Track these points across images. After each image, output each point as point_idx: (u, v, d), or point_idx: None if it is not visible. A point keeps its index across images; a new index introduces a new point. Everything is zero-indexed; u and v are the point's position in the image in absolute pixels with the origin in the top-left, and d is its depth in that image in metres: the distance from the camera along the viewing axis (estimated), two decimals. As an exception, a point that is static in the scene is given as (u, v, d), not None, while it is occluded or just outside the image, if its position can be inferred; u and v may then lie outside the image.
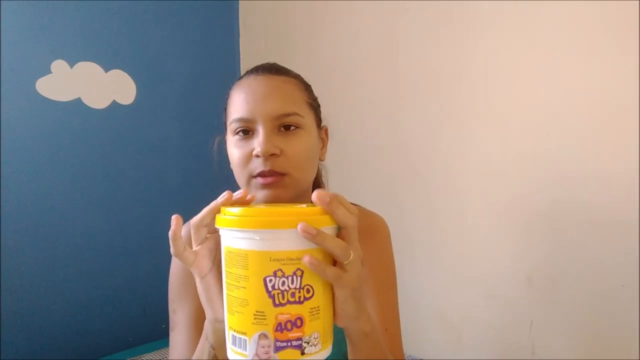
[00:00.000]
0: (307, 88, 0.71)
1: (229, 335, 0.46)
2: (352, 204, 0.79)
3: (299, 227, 0.42)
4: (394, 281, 0.75)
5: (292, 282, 0.42)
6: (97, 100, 1.58)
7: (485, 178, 1.19)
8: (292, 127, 0.64)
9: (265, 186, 0.62)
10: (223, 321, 0.48)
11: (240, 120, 0.63)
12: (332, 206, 0.45)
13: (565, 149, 1.04)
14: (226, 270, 0.46)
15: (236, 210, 0.45)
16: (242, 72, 0.93)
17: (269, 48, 1.86)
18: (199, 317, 0.67)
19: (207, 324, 0.53)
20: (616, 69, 0.95)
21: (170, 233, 0.50)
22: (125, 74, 1.64)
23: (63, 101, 1.50)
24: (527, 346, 1.11)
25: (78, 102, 1.53)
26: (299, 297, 0.43)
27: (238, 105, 0.64)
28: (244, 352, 0.44)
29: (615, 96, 0.95)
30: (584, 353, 1.01)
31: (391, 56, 1.40)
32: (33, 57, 1.44)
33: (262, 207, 0.48)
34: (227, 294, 0.46)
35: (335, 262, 0.46)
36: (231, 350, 0.45)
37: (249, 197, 0.52)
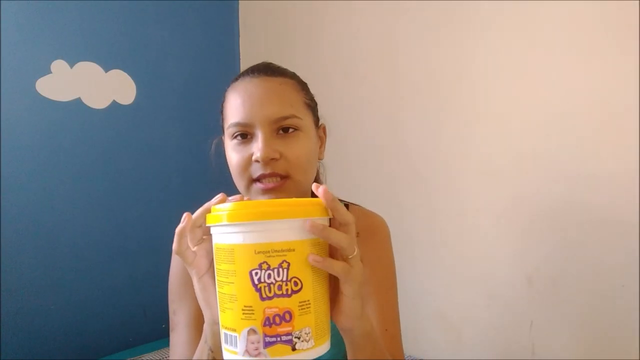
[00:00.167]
0: (303, 88, 0.70)
1: (222, 334, 0.45)
2: (352, 204, 0.79)
3: (307, 223, 0.42)
4: (394, 281, 0.75)
5: (279, 275, 0.42)
6: (97, 100, 1.58)
7: (485, 178, 1.19)
8: (291, 130, 0.63)
9: (266, 191, 0.62)
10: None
11: (238, 124, 0.63)
12: (334, 203, 0.45)
13: (565, 149, 1.03)
14: (217, 268, 0.46)
15: (223, 206, 0.45)
16: (242, 72, 0.93)
17: (269, 48, 1.86)
18: (199, 318, 0.67)
19: (206, 327, 0.53)
20: (616, 69, 0.95)
21: (177, 229, 0.50)
22: (125, 74, 1.64)
23: (63, 101, 1.50)
24: (527, 346, 1.11)
25: (78, 102, 1.53)
26: (287, 290, 0.42)
27: (235, 109, 0.64)
28: (235, 350, 0.43)
29: (616, 96, 0.95)
30: (584, 353, 1.01)
31: (391, 56, 1.40)
32: (33, 57, 1.44)
33: (250, 201, 0.48)
34: (218, 291, 0.46)
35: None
36: (225, 350, 0.45)
37: (245, 199, 0.52)
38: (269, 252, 0.42)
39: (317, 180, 0.80)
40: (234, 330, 0.43)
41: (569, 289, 1.04)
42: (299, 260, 0.43)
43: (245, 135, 0.64)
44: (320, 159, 0.74)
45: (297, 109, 0.65)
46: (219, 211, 0.45)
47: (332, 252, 0.47)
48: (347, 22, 1.52)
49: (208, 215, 0.46)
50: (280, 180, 0.62)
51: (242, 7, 1.97)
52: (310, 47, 1.67)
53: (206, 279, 0.51)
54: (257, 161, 0.61)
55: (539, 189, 1.08)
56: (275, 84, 0.65)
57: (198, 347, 0.56)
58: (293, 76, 0.70)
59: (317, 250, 0.44)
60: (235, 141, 0.64)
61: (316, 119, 0.72)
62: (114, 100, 1.62)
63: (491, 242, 1.18)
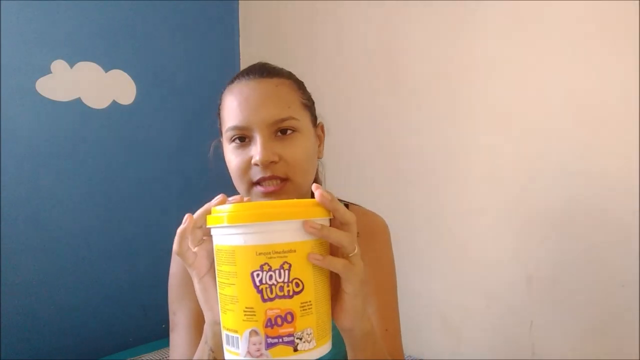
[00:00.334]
0: (300, 87, 0.70)
1: (223, 335, 0.45)
2: (352, 204, 0.79)
3: (304, 224, 0.42)
4: (394, 281, 0.75)
5: (280, 276, 0.42)
6: (97, 100, 1.58)
7: (485, 178, 1.19)
8: (289, 132, 0.63)
9: (266, 194, 0.62)
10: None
11: (236, 128, 0.63)
12: (334, 204, 0.45)
13: (565, 149, 1.03)
14: (218, 269, 0.46)
15: (224, 207, 0.45)
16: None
17: (269, 48, 1.86)
18: (199, 318, 0.67)
19: (206, 327, 0.53)
20: (616, 69, 0.95)
21: (179, 230, 0.50)
22: (125, 74, 1.64)
23: (63, 101, 1.50)
24: (527, 346, 1.11)
25: (78, 102, 1.53)
26: (288, 291, 0.42)
27: (232, 112, 0.64)
28: (236, 351, 0.43)
29: (616, 96, 0.95)
30: (584, 353, 1.01)
31: (392, 55, 1.40)
32: (33, 57, 1.44)
33: (251, 203, 0.48)
34: (219, 293, 0.46)
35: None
36: (226, 351, 0.45)
37: (245, 199, 0.52)
38: (270, 253, 0.42)
39: (316, 179, 0.80)
40: (236, 331, 0.43)
41: (569, 289, 1.04)
42: (301, 261, 0.43)
43: (243, 138, 0.63)
44: (319, 157, 0.74)
45: (294, 110, 0.64)
46: (220, 212, 0.45)
47: (334, 251, 0.47)
48: (347, 21, 1.52)
49: (208, 217, 0.46)
50: (281, 183, 0.62)
51: (242, 7, 1.97)
52: (310, 47, 1.67)
53: (207, 279, 0.51)
54: (256, 164, 0.61)
55: (539, 189, 1.08)
56: (272, 86, 0.65)
57: (198, 348, 0.56)
58: (289, 76, 0.69)
59: (319, 251, 0.44)
60: (233, 144, 0.64)
61: (314, 118, 0.71)
62: (114, 100, 1.62)
63: (491, 242, 1.18)
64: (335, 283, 0.48)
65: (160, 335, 1.57)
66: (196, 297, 0.53)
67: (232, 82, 0.68)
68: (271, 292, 0.42)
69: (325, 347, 0.45)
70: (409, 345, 1.14)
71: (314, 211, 0.44)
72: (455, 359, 1.27)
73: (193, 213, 0.52)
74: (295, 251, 0.42)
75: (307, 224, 0.43)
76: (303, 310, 0.43)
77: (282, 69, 0.70)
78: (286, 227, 0.43)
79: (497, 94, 1.15)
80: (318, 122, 0.73)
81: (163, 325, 1.57)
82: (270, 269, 0.42)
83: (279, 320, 0.42)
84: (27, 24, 1.43)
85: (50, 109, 1.48)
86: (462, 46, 1.21)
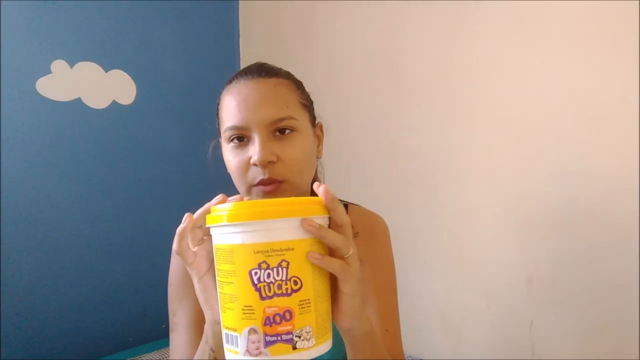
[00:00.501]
0: (298, 87, 0.69)
1: (223, 334, 0.46)
2: (352, 203, 0.79)
3: (303, 221, 0.42)
4: (394, 281, 0.75)
5: (278, 274, 0.42)
6: (97, 100, 1.58)
7: (485, 178, 1.19)
8: (287, 131, 0.63)
9: (266, 194, 0.63)
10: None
11: (234, 128, 0.63)
12: (334, 203, 0.46)
13: (565, 149, 1.03)
14: (217, 268, 0.46)
15: (222, 206, 0.46)
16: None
17: (268, 48, 1.86)
18: (199, 318, 0.67)
19: (207, 327, 0.53)
20: (616, 69, 0.95)
21: (178, 230, 0.50)
22: (125, 74, 1.64)
23: (63, 101, 1.50)
24: (527, 346, 1.11)
25: (78, 102, 1.53)
26: (286, 289, 0.42)
27: (230, 112, 0.64)
28: (236, 350, 0.43)
29: (616, 96, 0.95)
30: (584, 353, 1.01)
31: (392, 55, 1.40)
32: (33, 57, 1.44)
33: (249, 201, 0.48)
34: (219, 292, 0.46)
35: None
36: (226, 350, 0.45)
37: (245, 199, 0.52)
38: (267, 251, 0.42)
39: (315, 179, 0.80)
40: (235, 330, 0.43)
41: (569, 289, 1.04)
42: (299, 259, 0.43)
43: (241, 138, 0.64)
44: (318, 157, 0.74)
45: (292, 110, 0.64)
46: (218, 212, 0.45)
47: (331, 252, 0.47)
48: (347, 21, 1.52)
49: (207, 216, 0.47)
50: (278, 183, 0.63)
51: (242, 7, 1.97)
52: (310, 47, 1.67)
53: (206, 279, 0.51)
54: (254, 164, 0.62)
55: (539, 189, 1.08)
56: (270, 86, 0.65)
57: (199, 347, 0.56)
58: (287, 76, 0.69)
59: (317, 249, 0.44)
60: (232, 144, 0.64)
61: (312, 118, 0.71)
62: (114, 100, 1.62)
63: (491, 242, 1.18)
64: (333, 283, 0.48)
65: (160, 335, 1.57)
66: (196, 297, 0.53)
67: (230, 82, 0.68)
68: (269, 290, 0.42)
69: (325, 345, 0.45)
70: (409, 345, 1.14)
71: (312, 209, 0.44)
72: (455, 359, 1.27)
73: (193, 213, 0.52)
74: (293, 249, 0.42)
75: (306, 222, 0.43)
76: (302, 308, 0.43)
77: (280, 68, 0.70)
78: (284, 225, 0.43)
79: (497, 93, 1.15)
80: (317, 122, 0.73)
81: (163, 325, 1.57)
82: (268, 267, 0.42)
83: (278, 319, 0.42)
84: (27, 24, 1.43)
85: (50, 109, 1.48)
86: (462, 46, 1.21)
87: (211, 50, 1.89)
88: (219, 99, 0.69)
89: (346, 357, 0.57)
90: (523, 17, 1.09)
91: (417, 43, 1.32)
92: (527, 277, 1.11)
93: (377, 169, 1.46)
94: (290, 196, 0.63)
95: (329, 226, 0.47)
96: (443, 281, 1.30)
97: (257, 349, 0.42)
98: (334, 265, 0.44)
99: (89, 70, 1.55)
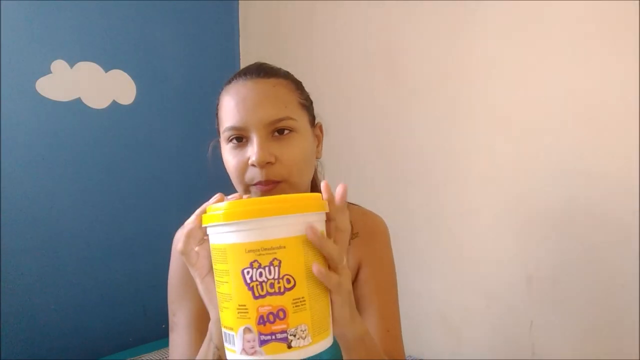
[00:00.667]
0: (298, 87, 0.69)
1: (223, 333, 0.46)
2: (351, 203, 0.79)
3: (308, 228, 0.43)
4: (394, 281, 0.75)
5: (270, 273, 0.42)
6: (97, 100, 1.58)
7: (485, 178, 1.19)
8: (286, 132, 0.63)
9: (264, 194, 0.63)
10: None
11: (233, 128, 0.63)
12: (338, 209, 0.46)
13: (565, 149, 1.03)
14: (214, 268, 0.46)
15: (215, 206, 0.46)
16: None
17: (268, 48, 1.86)
18: (199, 318, 0.67)
19: (211, 325, 0.53)
20: (616, 69, 0.95)
21: (187, 230, 0.50)
22: (125, 74, 1.64)
23: (63, 101, 1.50)
24: (527, 346, 1.11)
25: (78, 102, 1.53)
26: (279, 287, 0.42)
27: (229, 113, 0.64)
28: (233, 348, 0.43)
29: (616, 96, 0.95)
30: (584, 353, 1.01)
31: (392, 55, 1.40)
32: (33, 57, 1.44)
33: (240, 200, 0.48)
34: (217, 291, 0.46)
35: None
36: (226, 348, 0.45)
37: (245, 197, 0.52)
38: (259, 250, 0.42)
39: (315, 179, 0.80)
40: (232, 329, 0.43)
41: (569, 289, 1.04)
42: (291, 257, 0.43)
43: (240, 138, 0.64)
44: (317, 157, 0.74)
45: (291, 110, 0.64)
46: (211, 211, 0.45)
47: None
48: (347, 21, 1.52)
49: (203, 216, 0.47)
50: (276, 183, 0.63)
51: (242, 7, 1.97)
52: (310, 47, 1.67)
53: (208, 279, 0.51)
54: (253, 165, 0.62)
55: (539, 189, 1.08)
56: (269, 86, 0.65)
57: (202, 346, 0.56)
58: (287, 76, 0.69)
59: (309, 247, 0.44)
60: (231, 145, 0.64)
61: (312, 118, 0.71)
62: (114, 100, 1.62)
63: (491, 242, 1.18)
64: None
65: (160, 335, 1.57)
66: (196, 297, 0.53)
67: (229, 82, 0.68)
68: (262, 289, 0.42)
69: (323, 344, 0.45)
70: (409, 345, 1.13)
71: (303, 206, 0.44)
72: (455, 359, 1.27)
73: (193, 213, 0.52)
74: (285, 247, 0.42)
75: (310, 229, 0.43)
76: (296, 306, 0.42)
77: (279, 69, 0.70)
78: (275, 224, 0.43)
79: (497, 93, 1.15)
80: (316, 122, 0.73)
81: (163, 325, 1.57)
82: (260, 266, 0.42)
83: (271, 317, 0.42)
84: (27, 24, 1.43)
85: (50, 109, 1.48)
86: (462, 46, 1.21)
87: (211, 50, 1.89)
88: (219, 99, 0.69)
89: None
90: (523, 17, 1.09)
91: (417, 43, 1.32)
92: (527, 277, 1.11)
93: (377, 169, 1.46)
94: None
95: (326, 221, 0.47)
96: (443, 281, 1.29)
97: (253, 347, 0.42)
98: (332, 280, 0.45)
99: (89, 70, 1.55)
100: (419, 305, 1.34)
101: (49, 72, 1.47)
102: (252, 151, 0.61)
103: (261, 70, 0.67)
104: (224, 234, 0.43)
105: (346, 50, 1.53)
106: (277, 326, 0.42)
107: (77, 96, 1.53)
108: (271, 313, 0.42)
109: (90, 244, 1.56)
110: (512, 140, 1.13)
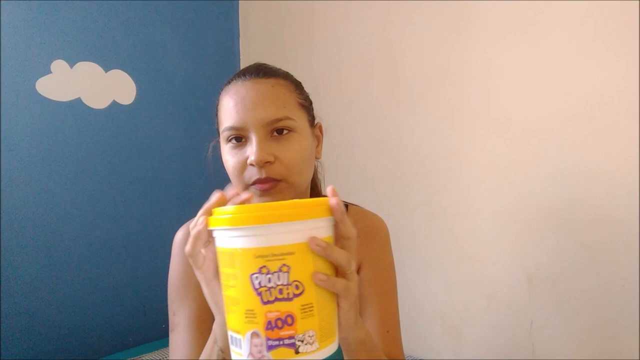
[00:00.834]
0: (297, 87, 0.69)
1: (229, 335, 0.46)
2: (351, 204, 0.79)
3: (310, 240, 0.42)
4: (394, 282, 0.75)
5: (279, 279, 0.42)
6: (97, 100, 1.58)
7: (485, 178, 1.19)
8: (285, 132, 0.64)
9: (263, 192, 0.63)
10: None
11: (232, 128, 0.63)
12: (342, 216, 0.46)
13: (565, 149, 1.03)
14: (220, 271, 0.46)
15: (224, 209, 0.45)
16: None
17: (269, 48, 1.86)
18: (199, 318, 0.67)
19: (216, 327, 0.53)
20: (616, 69, 0.95)
21: (195, 231, 0.49)
22: (125, 74, 1.64)
23: (63, 101, 1.50)
24: (527, 346, 1.11)
25: (78, 102, 1.53)
26: (288, 293, 0.42)
27: (228, 113, 0.64)
28: (240, 352, 0.43)
29: (616, 96, 0.95)
30: (584, 353, 1.01)
31: (392, 56, 1.40)
32: (33, 57, 1.44)
33: (252, 204, 0.48)
34: (224, 294, 0.46)
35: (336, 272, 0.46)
36: (232, 351, 0.45)
37: (245, 196, 0.52)
38: (268, 256, 0.42)
39: (314, 179, 0.80)
40: (238, 332, 0.43)
41: (569, 289, 1.04)
42: (300, 263, 0.42)
43: (239, 138, 0.64)
44: (317, 158, 0.74)
45: (290, 110, 0.65)
46: (219, 214, 0.45)
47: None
48: (347, 21, 1.52)
49: (210, 219, 0.46)
50: (275, 182, 0.63)
51: (242, 7, 1.97)
52: (310, 47, 1.67)
53: (215, 283, 0.50)
54: (252, 165, 0.62)
55: (539, 189, 1.08)
56: (268, 86, 0.65)
57: (206, 347, 0.56)
58: (286, 76, 0.69)
59: (311, 258, 0.44)
60: (230, 144, 0.65)
61: (311, 118, 0.71)
62: (114, 100, 1.62)
63: (491, 242, 1.18)
64: None
65: (160, 335, 1.57)
66: (197, 297, 0.52)
67: (229, 82, 0.68)
68: (270, 295, 0.42)
69: (330, 349, 0.45)
70: (409, 345, 1.14)
71: (313, 212, 0.44)
72: (455, 359, 1.27)
73: (192, 213, 0.52)
74: (294, 253, 0.42)
75: (313, 242, 0.42)
76: (304, 312, 0.42)
77: (279, 69, 0.70)
78: (285, 230, 0.42)
79: (497, 93, 1.15)
80: (316, 122, 0.73)
81: (163, 325, 1.57)
82: (269, 272, 0.41)
83: (279, 323, 0.42)
84: (27, 24, 1.43)
85: (50, 109, 1.48)
86: (462, 46, 1.21)
87: (211, 50, 1.90)
88: (218, 99, 0.69)
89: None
90: (523, 17, 1.09)
91: (416, 44, 1.32)
92: (527, 277, 1.11)
93: (377, 169, 1.46)
94: (287, 195, 0.63)
95: (335, 228, 0.47)
96: (443, 281, 1.30)
97: (260, 352, 0.42)
98: (337, 286, 0.44)
99: (89, 70, 1.55)
100: (419, 305, 1.34)
101: (49, 72, 1.47)
102: (251, 151, 0.61)
103: (260, 71, 0.67)
104: (231, 238, 0.43)
105: (346, 51, 1.53)
106: (285, 332, 0.42)
107: (77, 96, 1.53)
108: (279, 319, 0.42)
109: (90, 243, 1.56)
110: (512, 140, 1.13)
